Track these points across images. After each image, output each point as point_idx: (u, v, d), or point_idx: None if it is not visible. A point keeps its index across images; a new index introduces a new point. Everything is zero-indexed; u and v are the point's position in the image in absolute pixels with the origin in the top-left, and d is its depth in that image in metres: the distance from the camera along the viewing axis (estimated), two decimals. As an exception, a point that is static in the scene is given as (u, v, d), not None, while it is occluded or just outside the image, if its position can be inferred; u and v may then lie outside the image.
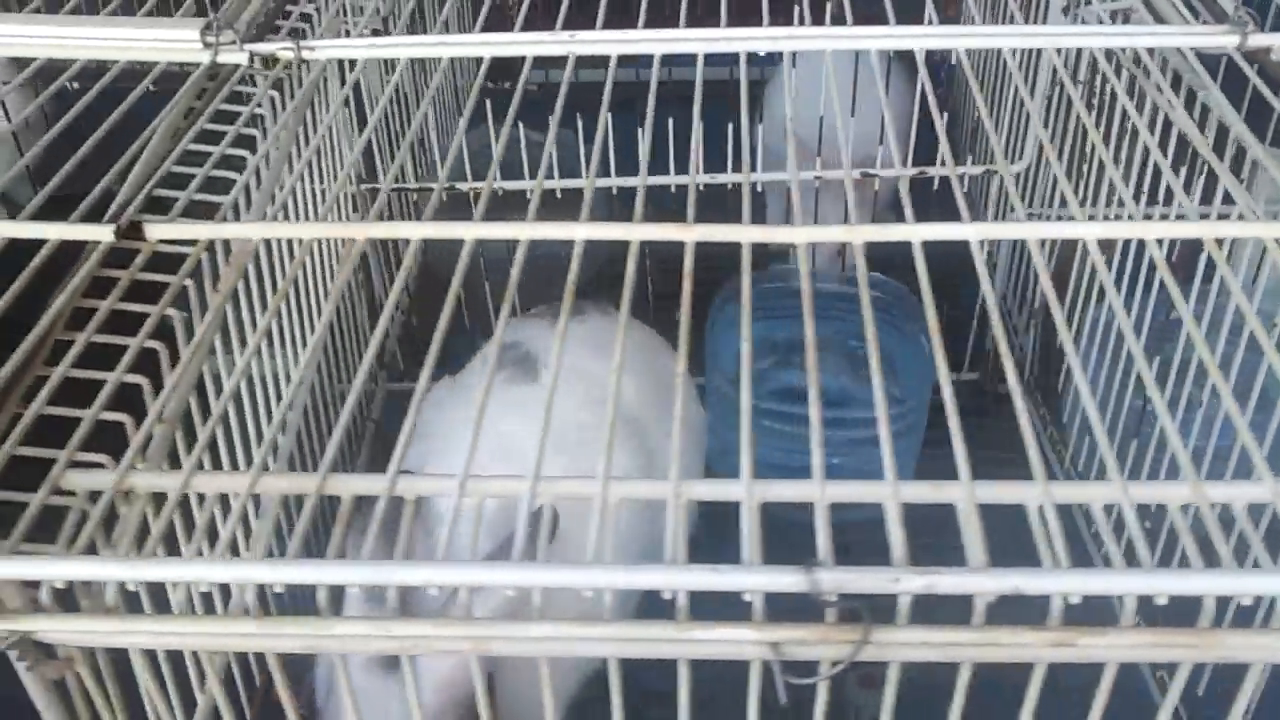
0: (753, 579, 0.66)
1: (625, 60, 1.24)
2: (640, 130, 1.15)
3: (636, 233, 0.99)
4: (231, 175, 1.26)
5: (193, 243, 1.01)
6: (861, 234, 0.92)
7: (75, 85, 1.30)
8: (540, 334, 1.55)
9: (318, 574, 0.69)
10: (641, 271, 1.02)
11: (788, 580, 0.66)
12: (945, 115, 2.18)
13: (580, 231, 0.99)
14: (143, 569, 0.68)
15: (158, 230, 0.99)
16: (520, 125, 2.07)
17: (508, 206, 1.63)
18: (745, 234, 1.00)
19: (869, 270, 0.97)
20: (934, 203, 1.79)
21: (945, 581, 0.64)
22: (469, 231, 0.98)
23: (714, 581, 0.67)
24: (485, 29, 1.31)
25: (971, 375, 2.16)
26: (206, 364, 1.04)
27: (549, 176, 1.90)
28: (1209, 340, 1.46)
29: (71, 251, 1.05)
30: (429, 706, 1.14)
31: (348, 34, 1.73)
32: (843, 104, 1.78)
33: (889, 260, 1.91)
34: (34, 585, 0.76)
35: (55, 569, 0.70)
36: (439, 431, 1.41)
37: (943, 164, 2.05)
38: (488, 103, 1.90)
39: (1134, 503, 0.75)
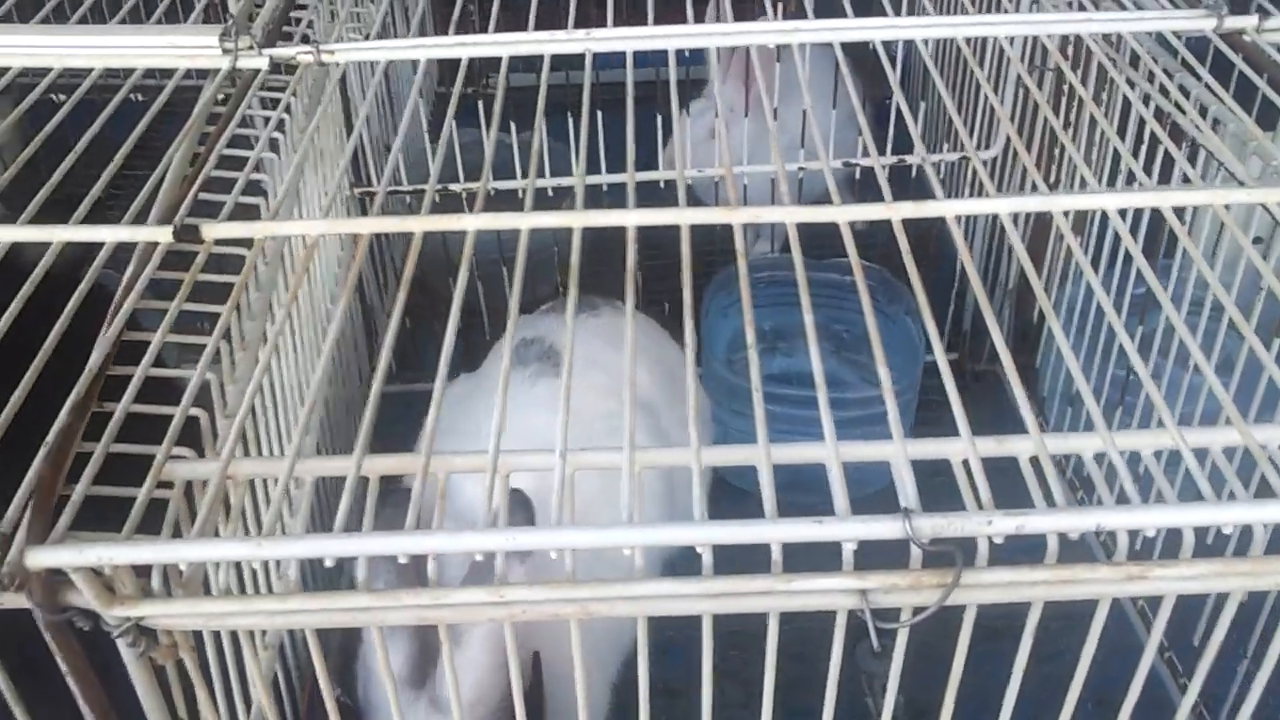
0: (853, 528, 0.71)
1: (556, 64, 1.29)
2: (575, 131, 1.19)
3: (631, 219, 1.02)
4: (257, 177, 1.28)
5: (248, 242, 1.03)
6: (900, 211, 0.97)
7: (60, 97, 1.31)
8: (558, 327, 1.59)
9: (436, 543, 0.73)
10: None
11: (886, 527, 0.71)
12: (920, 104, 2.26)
13: (579, 220, 1.02)
14: (270, 547, 0.71)
15: (214, 230, 1.01)
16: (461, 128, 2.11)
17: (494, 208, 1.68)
18: (735, 215, 1.04)
19: (843, 256, 1.00)
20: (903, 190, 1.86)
21: (1034, 521, 0.70)
22: (471, 223, 1.02)
23: (815, 532, 0.72)
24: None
25: (953, 355, 2.23)
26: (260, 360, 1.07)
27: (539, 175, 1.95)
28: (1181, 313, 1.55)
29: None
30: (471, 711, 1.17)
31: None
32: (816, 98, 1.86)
33: (868, 245, 1.98)
34: (144, 573, 0.79)
35: (182, 552, 0.73)
36: (465, 428, 1.45)
37: (955, 147, 2.12)
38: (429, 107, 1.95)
39: (1120, 449, 0.80)
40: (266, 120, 1.32)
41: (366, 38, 1.79)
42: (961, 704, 0.94)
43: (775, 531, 0.72)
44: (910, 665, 0.90)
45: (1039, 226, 1.95)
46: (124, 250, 1.05)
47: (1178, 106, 1.26)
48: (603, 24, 1.34)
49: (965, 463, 0.80)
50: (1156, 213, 1.44)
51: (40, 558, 0.73)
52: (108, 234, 1.02)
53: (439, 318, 1.72)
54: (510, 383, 1.54)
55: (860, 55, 1.41)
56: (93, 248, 1.04)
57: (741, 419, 1.90)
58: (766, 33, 1.30)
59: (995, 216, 2.16)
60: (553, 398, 1.43)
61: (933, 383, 2.15)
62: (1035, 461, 0.82)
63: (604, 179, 1.94)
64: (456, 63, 1.28)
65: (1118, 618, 1.76)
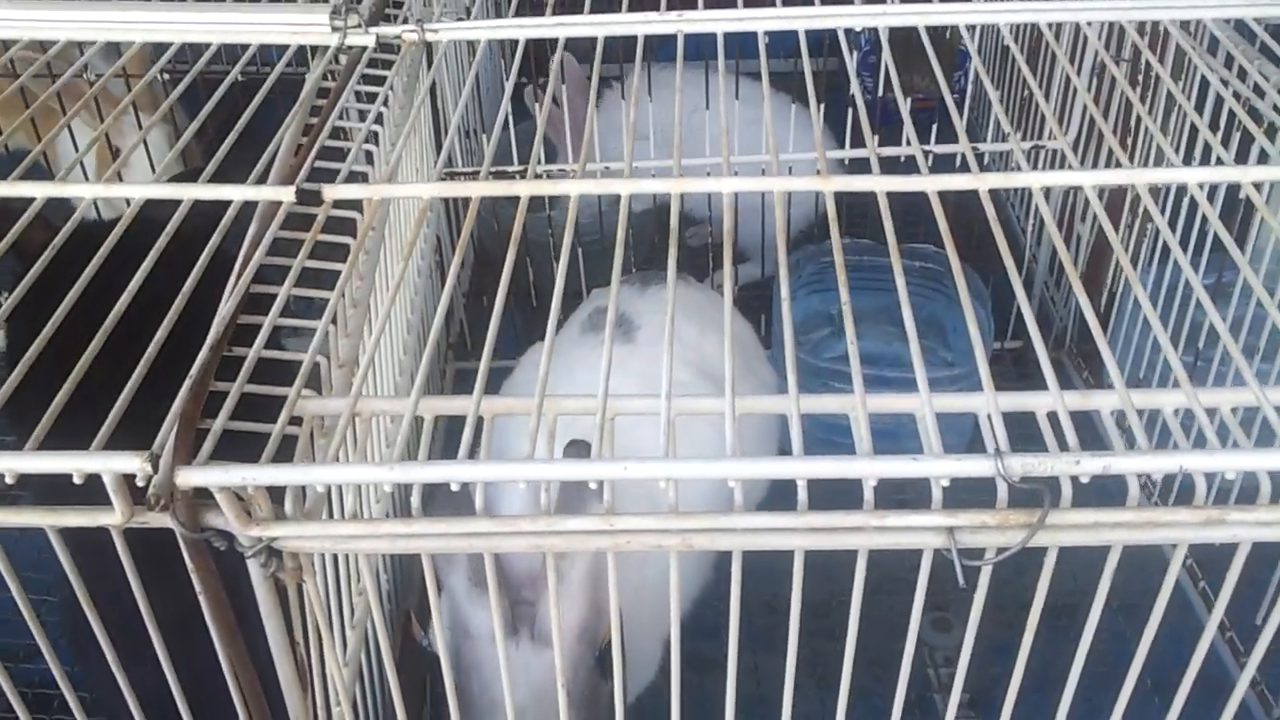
0: (946, 465, 0.75)
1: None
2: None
3: (726, 185, 1.07)
4: (366, 149, 1.34)
5: (360, 206, 1.10)
6: (987, 181, 1.02)
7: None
8: (631, 298, 1.64)
9: (554, 471, 0.78)
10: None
11: (978, 465, 0.75)
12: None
13: (677, 186, 1.07)
14: (402, 472, 0.77)
15: (333, 191, 1.08)
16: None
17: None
18: (828, 184, 1.08)
19: (907, 241, 1.00)
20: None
21: (1120, 462, 0.74)
22: (574, 187, 1.08)
23: (909, 469, 0.76)
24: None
25: (1015, 343, 2.26)
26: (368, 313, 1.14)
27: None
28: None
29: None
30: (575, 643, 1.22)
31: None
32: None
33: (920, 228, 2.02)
34: (277, 500, 0.85)
35: (320, 474, 0.79)
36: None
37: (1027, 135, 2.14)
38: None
39: (1203, 405, 0.84)
40: (364, 96, 1.38)
41: (460, 19, 1.86)
42: (1023, 687, 0.98)
43: (870, 467, 0.76)
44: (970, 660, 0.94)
45: (1108, 212, 1.97)
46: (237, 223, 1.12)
47: (1257, 90, 1.28)
48: (692, 6, 1.39)
49: (1049, 416, 0.84)
50: (1225, 206, 1.47)
51: (189, 477, 0.80)
52: (234, 193, 1.09)
53: (512, 294, 1.79)
54: (584, 349, 1.61)
55: (938, 42, 1.44)
56: (210, 219, 1.11)
57: (817, 385, 1.94)
58: (853, 16, 1.34)
59: (1061, 203, 2.19)
60: (623, 363, 1.48)
61: (999, 370, 2.17)
62: (1116, 417, 0.86)
63: (704, 161, 1.97)
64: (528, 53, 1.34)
65: (1179, 603, 1.79)
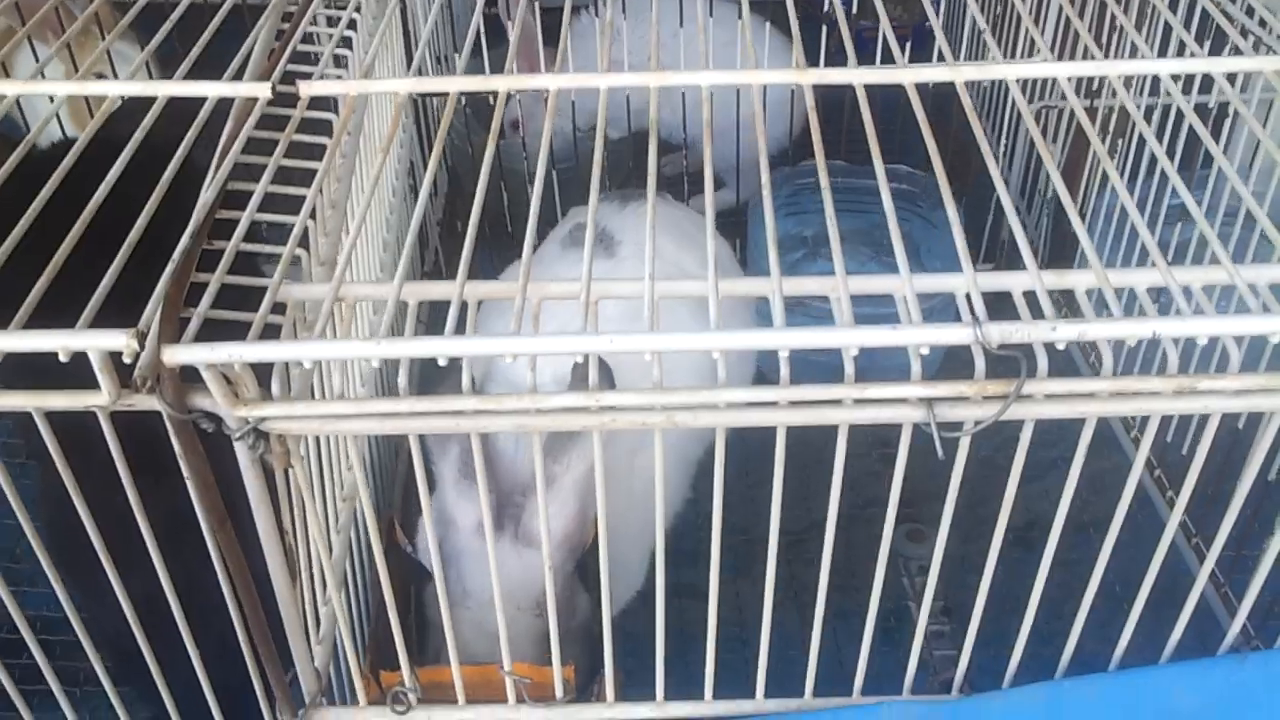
0: (925, 333, 0.77)
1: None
2: None
3: (704, 78, 1.09)
4: (329, 49, 1.33)
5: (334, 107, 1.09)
6: (963, 73, 1.02)
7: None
8: (611, 215, 1.64)
9: (540, 344, 0.79)
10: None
11: (957, 334, 0.76)
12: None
13: (655, 79, 1.07)
14: (389, 347, 0.78)
15: (310, 88, 1.07)
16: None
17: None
18: (804, 77, 1.09)
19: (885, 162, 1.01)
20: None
21: (1094, 329, 0.75)
22: (553, 82, 1.07)
23: (889, 338, 0.78)
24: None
25: (987, 266, 2.27)
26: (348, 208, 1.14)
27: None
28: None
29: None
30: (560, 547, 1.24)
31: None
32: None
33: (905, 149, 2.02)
34: (263, 385, 0.85)
35: (308, 350, 0.79)
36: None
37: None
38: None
39: (1178, 282, 0.85)
40: (335, 5, 1.37)
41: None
42: (990, 608, 1.02)
43: (850, 336, 0.78)
44: (944, 572, 0.97)
45: (1080, 130, 1.98)
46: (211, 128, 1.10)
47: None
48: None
49: (1027, 295, 0.86)
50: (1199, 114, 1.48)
51: (175, 355, 0.80)
52: (209, 89, 1.08)
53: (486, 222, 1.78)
54: (565, 264, 1.62)
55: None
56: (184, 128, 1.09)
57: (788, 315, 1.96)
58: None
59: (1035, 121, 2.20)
60: (606, 276, 1.49)
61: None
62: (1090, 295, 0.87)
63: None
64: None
65: (1149, 517, 1.82)
